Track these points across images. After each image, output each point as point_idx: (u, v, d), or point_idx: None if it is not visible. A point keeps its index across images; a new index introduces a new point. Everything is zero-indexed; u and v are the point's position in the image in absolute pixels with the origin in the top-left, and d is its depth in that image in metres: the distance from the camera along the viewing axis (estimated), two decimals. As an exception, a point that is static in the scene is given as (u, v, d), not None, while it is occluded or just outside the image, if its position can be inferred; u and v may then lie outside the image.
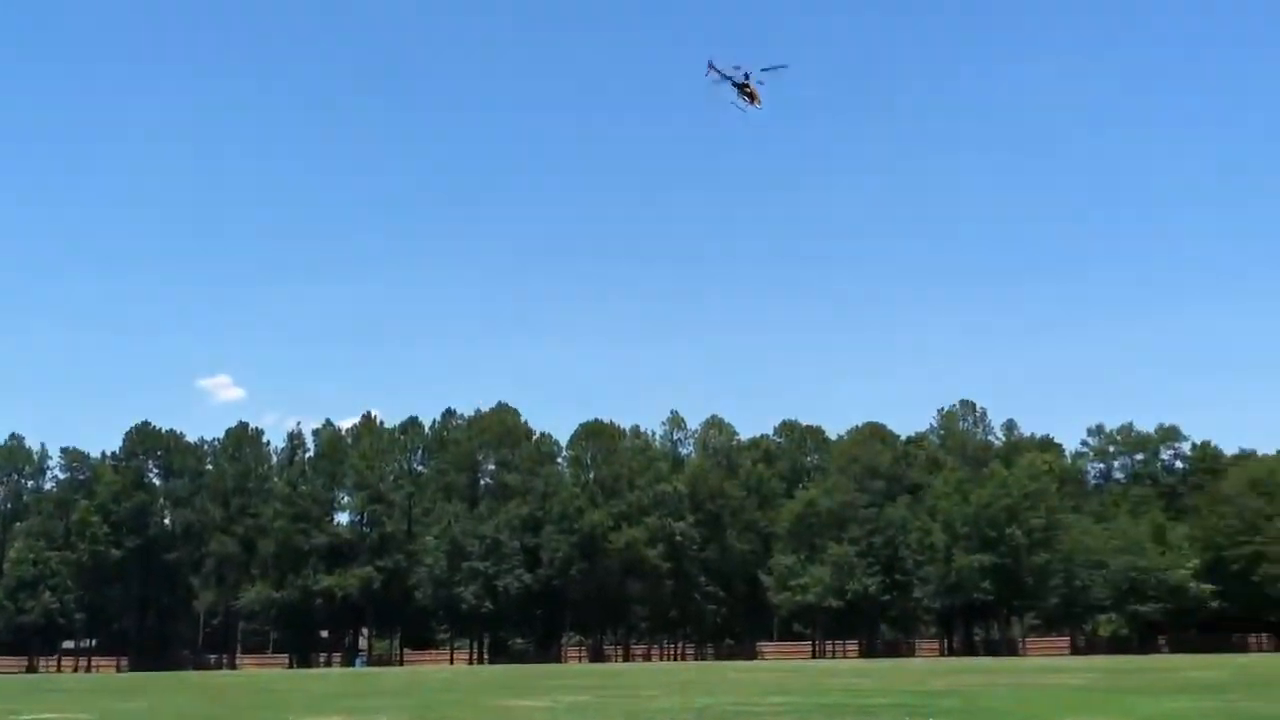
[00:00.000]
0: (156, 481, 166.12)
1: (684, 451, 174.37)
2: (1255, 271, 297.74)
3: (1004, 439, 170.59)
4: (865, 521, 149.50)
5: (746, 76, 64.91)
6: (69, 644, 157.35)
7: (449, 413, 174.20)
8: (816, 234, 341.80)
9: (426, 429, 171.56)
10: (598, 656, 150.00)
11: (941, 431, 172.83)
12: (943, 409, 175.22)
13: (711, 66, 64.27)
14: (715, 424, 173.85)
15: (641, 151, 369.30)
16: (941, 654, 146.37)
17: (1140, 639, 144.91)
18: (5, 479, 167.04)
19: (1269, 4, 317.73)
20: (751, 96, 64.96)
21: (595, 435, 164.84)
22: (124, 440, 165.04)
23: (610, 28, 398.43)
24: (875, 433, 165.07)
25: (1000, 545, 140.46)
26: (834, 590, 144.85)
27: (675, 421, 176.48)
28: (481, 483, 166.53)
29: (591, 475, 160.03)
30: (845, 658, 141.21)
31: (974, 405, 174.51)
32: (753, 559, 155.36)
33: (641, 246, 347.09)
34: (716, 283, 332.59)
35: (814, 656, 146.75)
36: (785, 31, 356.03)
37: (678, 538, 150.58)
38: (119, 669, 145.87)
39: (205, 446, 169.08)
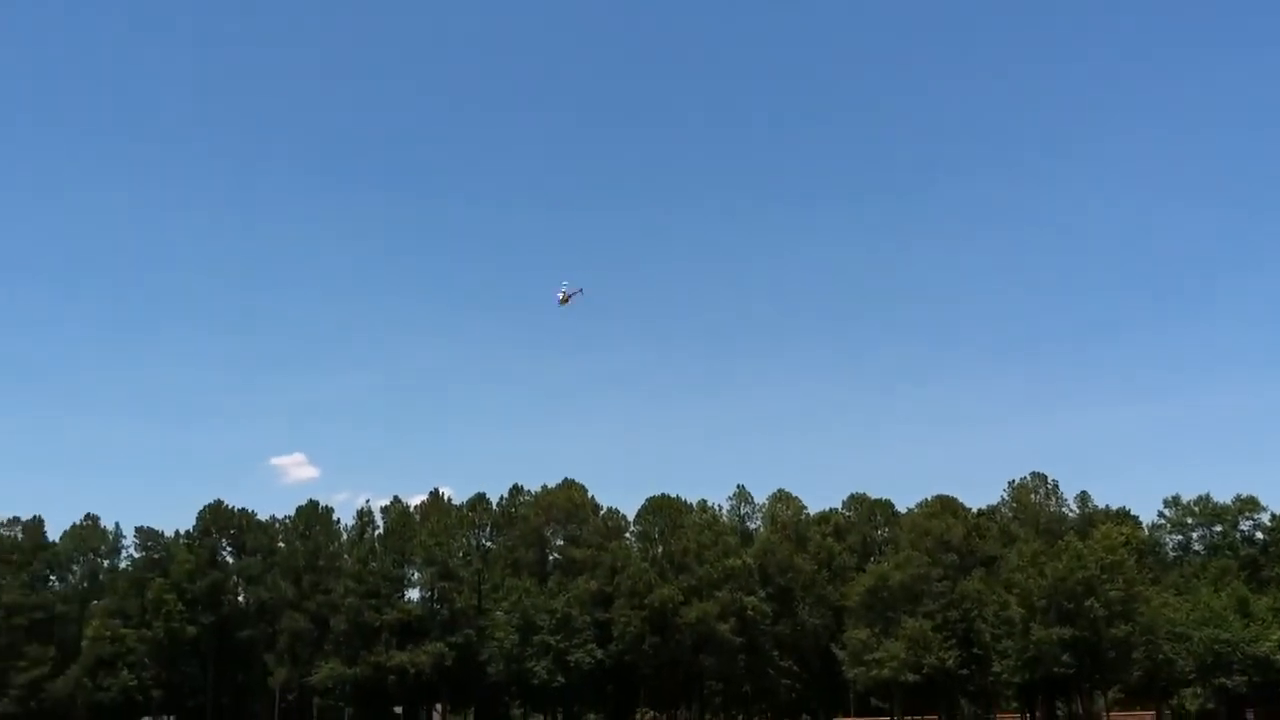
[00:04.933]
0: (229, 559, 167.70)
1: (752, 526, 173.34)
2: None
3: (1078, 511, 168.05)
4: (939, 595, 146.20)
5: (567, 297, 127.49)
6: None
7: (516, 489, 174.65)
8: (875, 301, 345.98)
9: (494, 505, 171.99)
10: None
11: (1014, 504, 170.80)
12: (1014, 481, 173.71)
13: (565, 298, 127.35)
14: (783, 498, 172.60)
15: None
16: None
17: (1229, 712, 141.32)
18: (81, 558, 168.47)
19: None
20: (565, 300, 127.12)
21: (662, 510, 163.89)
22: (197, 519, 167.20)
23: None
24: (946, 505, 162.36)
25: (1079, 618, 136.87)
26: (910, 665, 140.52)
27: (742, 496, 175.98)
28: (550, 558, 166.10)
29: (660, 550, 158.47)
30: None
31: (1045, 477, 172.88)
32: (825, 633, 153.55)
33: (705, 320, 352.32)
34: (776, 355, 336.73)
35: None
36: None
37: (749, 612, 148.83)
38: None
39: (276, 525, 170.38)
